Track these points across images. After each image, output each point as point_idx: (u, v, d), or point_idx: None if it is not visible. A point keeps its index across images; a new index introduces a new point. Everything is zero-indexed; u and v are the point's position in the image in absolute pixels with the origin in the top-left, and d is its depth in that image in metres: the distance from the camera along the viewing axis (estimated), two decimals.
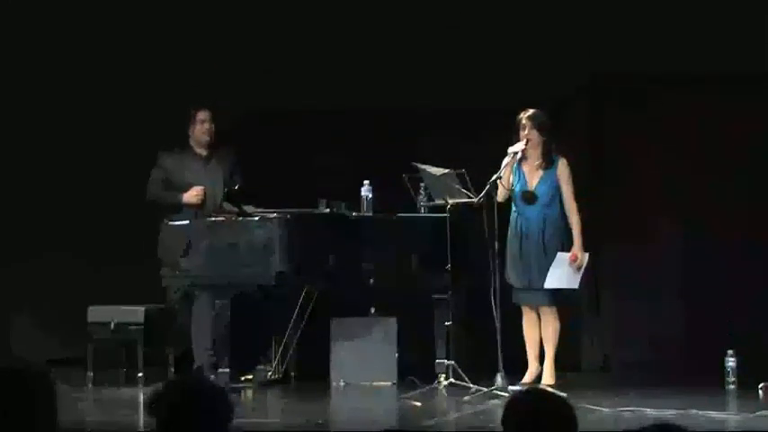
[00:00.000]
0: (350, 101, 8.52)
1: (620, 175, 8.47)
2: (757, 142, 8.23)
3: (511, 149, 7.36)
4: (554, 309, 7.38)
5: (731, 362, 7.53)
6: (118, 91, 8.72)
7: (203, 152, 8.02)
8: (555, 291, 7.34)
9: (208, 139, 7.97)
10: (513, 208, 7.48)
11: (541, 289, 7.32)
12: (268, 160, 8.51)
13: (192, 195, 7.88)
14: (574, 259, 7.26)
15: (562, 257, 7.30)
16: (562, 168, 7.38)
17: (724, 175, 8.20)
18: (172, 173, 7.97)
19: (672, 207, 8.31)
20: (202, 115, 7.96)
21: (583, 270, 7.31)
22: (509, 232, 7.47)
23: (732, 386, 7.49)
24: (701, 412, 6.34)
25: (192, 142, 8.01)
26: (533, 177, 7.44)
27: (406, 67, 8.50)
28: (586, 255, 7.31)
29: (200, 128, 7.96)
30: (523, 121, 7.33)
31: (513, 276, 7.44)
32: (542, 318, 7.41)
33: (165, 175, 7.95)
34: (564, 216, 7.39)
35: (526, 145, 7.34)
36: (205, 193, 7.91)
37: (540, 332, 7.43)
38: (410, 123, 8.46)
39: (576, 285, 7.33)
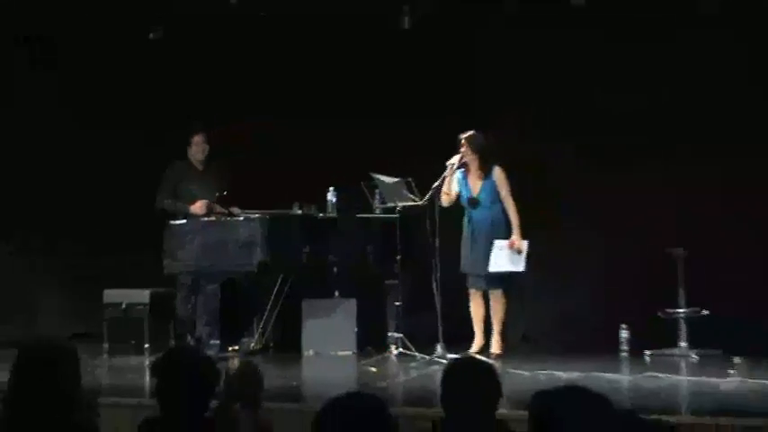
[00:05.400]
0: (322, 123, 8.76)
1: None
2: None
3: (448, 163, 7.84)
4: (501, 291, 7.80)
5: (624, 334, 7.97)
6: (128, 97, 9.09)
7: (200, 166, 8.46)
8: (500, 276, 7.64)
9: (202, 157, 8.41)
10: (466, 211, 7.89)
11: (490, 275, 7.69)
12: (254, 169, 8.73)
13: (198, 207, 8.22)
14: (511, 245, 7.65)
15: (499, 243, 7.67)
16: (497, 175, 7.83)
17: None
18: (177, 181, 8.29)
19: (581, 203, 8.35)
20: (197, 138, 8.40)
21: (525, 254, 7.64)
22: (463, 231, 7.81)
23: (625, 354, 7.90)
24: (600, 374, 6.72)
25: (190, 158, 8.45)
26: (476, 186, 7.89)
27: (369, 92, 8.71)
28: (525, 242, 7.68)
29: (196, 148, 8.41)
30: (461, 141, 7.85)
31: (467, 266, 7.83)
32: (492, 299, 7.79)
33: (172, 184, 8.26)
34: (505, 213, 7.78)
35: (460, 160, 7.80)
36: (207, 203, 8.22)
37: (487, 311, 7.80)
38: (369, 140, 8.57)
39: (521, 268, 7.65)
